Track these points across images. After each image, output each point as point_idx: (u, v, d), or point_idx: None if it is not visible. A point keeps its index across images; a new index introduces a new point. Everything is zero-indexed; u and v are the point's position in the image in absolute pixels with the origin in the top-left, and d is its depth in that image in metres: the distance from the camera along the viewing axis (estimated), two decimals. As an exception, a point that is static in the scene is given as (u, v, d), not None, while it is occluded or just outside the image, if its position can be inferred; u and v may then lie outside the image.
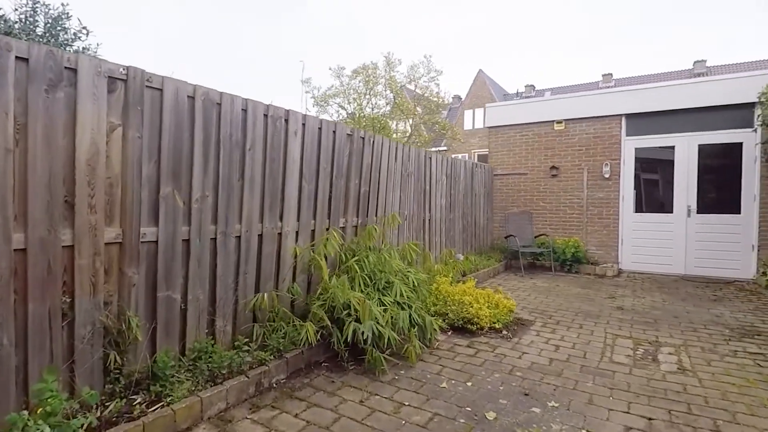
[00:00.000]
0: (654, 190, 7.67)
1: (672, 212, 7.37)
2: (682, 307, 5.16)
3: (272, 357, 2.98)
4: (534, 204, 8.58)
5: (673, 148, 7.36)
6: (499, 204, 8.95)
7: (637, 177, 7.72)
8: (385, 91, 19.54)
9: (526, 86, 38.94)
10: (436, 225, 6.50)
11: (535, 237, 8.17)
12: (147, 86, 2.54)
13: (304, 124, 3.71)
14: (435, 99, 20.40)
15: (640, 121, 7.62)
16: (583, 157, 8.11)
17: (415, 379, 3.09)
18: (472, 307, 4.16)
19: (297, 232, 3.73)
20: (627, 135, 7.75)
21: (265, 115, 3.34)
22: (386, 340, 3.19)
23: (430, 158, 6.31)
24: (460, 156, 20.14)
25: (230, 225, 3.11)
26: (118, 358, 2.39)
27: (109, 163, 2.39)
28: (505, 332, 4.15)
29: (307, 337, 3.05)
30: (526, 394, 2.87)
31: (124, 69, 2.43)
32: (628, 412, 2.62)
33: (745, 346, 3.78)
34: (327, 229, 4.05)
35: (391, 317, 3.32)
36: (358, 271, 3.60)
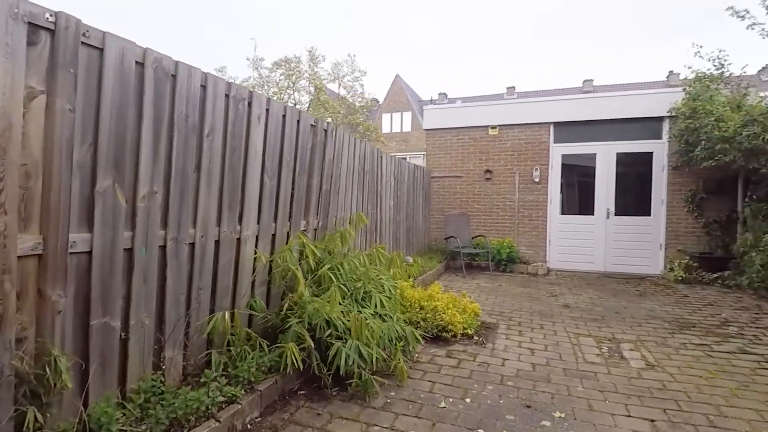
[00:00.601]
0: (578, 194, 8.28)
1: (593, 214, 8.02)
2: (618, 303, 5.55)
3: (243, 391, 2.43)
4: (469, 206, 8.77)
5: (595, 155, 8.02)
6: (436, 206, 8.99)
7: (563, 181, 8.28)
8: (309, 86, 18.80)
9: (439, 94, 40.69)
10: (385, 227, 6.22)
11: (473, 238, 8.33)
12: (83, 43, 1.87)
13: (267, 110, 3.17)
14: (360, 100, 20.18)
15: (567, 129, 8.18)
16: (515, 161, 8.48)
17: (409, 400, 2.76)
18: (445, 313, 3.95)
19: (257, 237, 3.17)
20: (555, 142, 8.27)
21: (227, 95, 2.75)
22: (373, 359, 2.82)
23: (382, 157, 6.02)
24: (383, 158, 20.13)
25: (183, 229, 2.49)
26: (38, 415, 1.69)
27: (27, 143, 1.69)
28: (476, 338, 4.01)
29: (287, 363, 2.55)
30: (528, 407, 2.71)
31: (51, 15, 1.74)
32: (629, 416, 2.59)
33: (689, 338, 4.10)
34: (288, 233, 3.54)
35: (381, 332, 2.94)
36: (334, 280, 3.16)
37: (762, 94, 6.15)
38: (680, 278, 6.86)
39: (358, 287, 3.31)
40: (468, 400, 2.78)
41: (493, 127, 8.60)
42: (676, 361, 3.48)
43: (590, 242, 8.02)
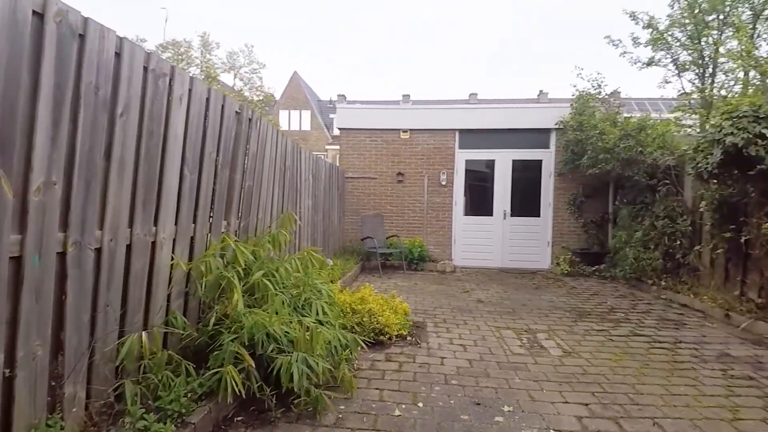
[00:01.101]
0: (479, 197, 8.90)
1: (492, 215, 8.70)
2: (522, 296, 6.06)
3: (174, 426, 2.00)
4: (383, 207, 8.83)
5: (494, 161, 8.70)
6: (350, 206, 8.87)
7: (467, 185, 8.82)
8: (201, 75, 17.16)
9: (338, 95, 40.65)
10: (304, 228, 5.90)
11: (387, 238, 8.40)
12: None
13: (191, 90, 2.71)
14: (258, 93, 19.07)
15: (470, 137, 8.74)
16: (425, 165, 8.79)
17: (362, 412, 2.59)
18: (381, 316, 3.84)
19: (174, 240, 2.69)
20: (460, 148, 8.77)
21: (146, 68, 2.27)
22: (320, 371, 2.57)
23: (301, 153, 5.69)
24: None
25: (88, 231, 1.98)
26: None
27: None
28: (410, 338, 3.98)
29: (227, 388, 2.17)
30: (478, 404, 2.74)
31: None
32: (567, 402, 2.78)
33: (590, 325, 4.62)
34: (208, 236, 3.09)
35: (327, 342, 2.71)
36: (271, 288, 2.83)
37: (636, 114, 7.30)
38: (566, 272, 7.79)
39: (296, 294, 3.02)
40: (421, 405, 2.70)
41: (405, 131, 8.79)
42: (586, 347, 3.88)
43: (490, 241, 8.69)
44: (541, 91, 37.31)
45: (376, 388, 2.93)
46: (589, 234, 8.31)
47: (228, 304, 2.61)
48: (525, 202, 8.67)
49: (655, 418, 2.56)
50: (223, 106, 3.15)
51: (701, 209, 5.34)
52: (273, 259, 3.41)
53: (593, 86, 7.93)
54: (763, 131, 3.91)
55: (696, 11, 6.94)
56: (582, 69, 7.99)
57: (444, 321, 4.68)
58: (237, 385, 2.17)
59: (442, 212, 8.78)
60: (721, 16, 6.74)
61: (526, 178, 8.67)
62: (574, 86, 8.05)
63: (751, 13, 6.48)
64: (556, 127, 8.31)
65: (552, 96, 35.31)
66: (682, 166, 6.19)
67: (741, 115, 4.06)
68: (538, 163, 8.62)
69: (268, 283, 2.83)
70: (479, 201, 8.89)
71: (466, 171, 8.81)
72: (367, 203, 8.86)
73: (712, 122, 4.47)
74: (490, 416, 2.57)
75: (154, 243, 2.48)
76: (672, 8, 7.40)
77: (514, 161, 8.64)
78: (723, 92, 7.03)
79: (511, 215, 8.63)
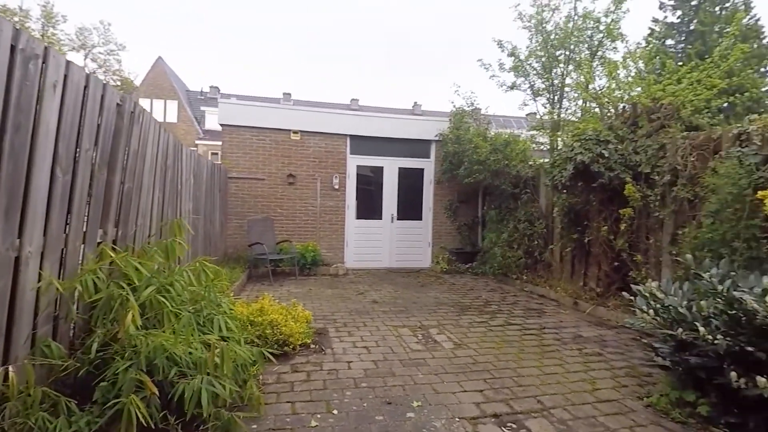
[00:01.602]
0: (369, 201, 9.19)
1: (381, 219, 9.08)
2: (412, 294, 6.46)
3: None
4: (272, 210, 8.51)
5: (382, 168, 9.09)
6: (234, 209, 8.33)
7: (358, 189, 9.03)
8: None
9: (211, 87, 37.72)
10: (185, 234, 5.35)
11: (277, 243, 8.12)
12: None
13: (66, 76, 2.29)
14: (116, 78, 16.57)
15: (361, 143, 8.97)
16: (317, 168, 8.74)
17: (277, 428, 2.49)
18: (285, 326, 3.72)
19: (43, 254, 2.24)
20: (351, 153, 8.94)
21: (14, 47, 1.85)
22: (228, 393, 2.41)
23: (182, 149, 5.16)
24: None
25: (-73, 248, 1.54)
26: None
27: None
28: (314, 346, 3.95)
29: (132, 422, 1.89)
30: (389, 403, 2.87)
31: None
32: (465, 391, 3.08)
33: (471, 317, 5.16)
34: (83, 246, 2.64)
35: (234, 360, 2.53)
36: (168, 305, 2.53)
37: (503, 130, 8.35)
38: (444, 270, 8.54)
39: (196, 311, 2.76)
40: (335, 412, 2.72)
41: (296, 132, 8.62)
42: (472, 338, 4.34)
43: (379, 243, 9.05)
44: (415, 102, 40.00)
45: (288, 402, 2.85)
46: (462, 235, 9.24)
47: (117, 326, 2.27)
48: (409, 207, 9.24)
49: (537, 396, 3.01)
50: (102, 97, 2.72)
51: (554, 214, 6.41)
52: (162, 271, 3.06)
53: (467, 103, 8.86)
54: (603, 152, 4.90)
55: (548, 46, 8.28)
56: (459, 86, 8.92)
57: (345, 325, 4.74)
58: (144, 417, 1.91)
59: (335, 216, 8.83)
60: (567, 52, 8.17)
61: (410, 184, 9.26)
62: (452, 102, 8.92)
63: (588, 52, 8.01)
64: (436, 139, 9.06)
65: (425, 108, 38.25)
66: (538, 178, 7.33)
67: (587, 138, 5.01)
68: (420, 171, 9.28)
69: (162, 300, 2.54)
70: (370, 205, 9.18)
71: (358, 176, 9.02)
72: (254, 206, 8.43)
73: (565, 142, 5.39)
74: (402, 413, 2.72)
75: (18, 258, 2.03)
76: (531, 41, 8.71)
77: (400, 169, 9.15)
78: (570, 116, 8.50)
79: (398, 219, 9.12)
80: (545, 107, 8.83)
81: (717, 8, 19.81)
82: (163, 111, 30.52)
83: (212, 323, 2.81)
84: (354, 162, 8.95)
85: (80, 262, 2.61)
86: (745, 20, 20.57)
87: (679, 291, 3.02)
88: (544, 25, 8.50)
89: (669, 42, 21.06)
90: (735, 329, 2.43)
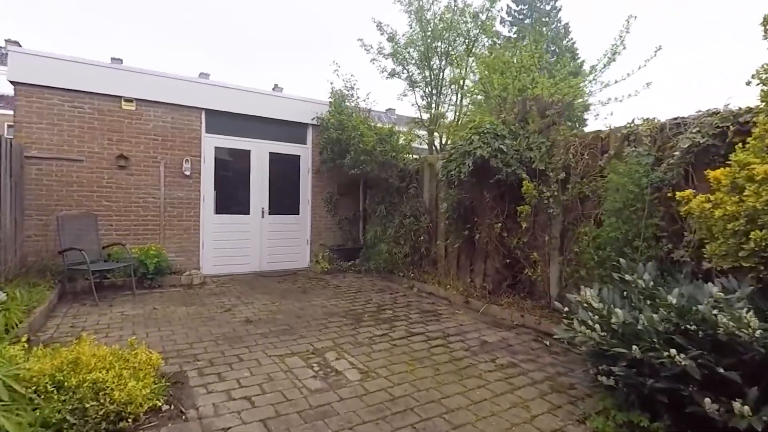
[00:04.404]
0: (233, 191, 7.71)
1: (249, 213, 7.71)
2: (293, 305, 5.45)
3: None
4: (96, 203, 6.40)
5: (249, 152, 7.70)
6: (36, 202, 5.99)
7: (217, 177, 7.47)
8: None
9: (6, 40, 28.94)
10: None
11: (104, 247, 6.12)
12: None
13: None
14: None
15: (221, 120, 7.41)
16: (160, 148, 6.90)
17: None
18: (119, 389, 2.41)
19: None
20: (207, 132, 7.32)
21: None
22: None
23: None
24: None
25: None
26: None
27: None
28: (168, 408, 2.70)
29: None
30: (300, 500, 1.94)
31: None
32: (395, 451, 2.34)
33: (370, 330, 4.45)
34: None
35: None
36: None
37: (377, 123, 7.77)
38: (326, 270, 7.70)
39: None
40: None
41: (129, 101, 6.62)
42: (379, 361, 3.62)
43: (246, 243, 7.69)
44: (276, 84, 37.47)
45: None
46: (343, 230, 8.52)
47: None
48: (284, 199, 8.08)
49: (483, 443, 2.44)
50: None
51: (443, 210, 6.12)
52: None
53: (347, 87, 8.07)
54: (501, 147, 4.67)
55: (427, 35, 8.01)
56: (339, 66, 8.01)
57: (211, 363, 3.53)
58: None
59: (186, 210, 7.13)
60: (445, 45, 8.01)
61: (284, 173, 8.09)
62: (331, 83, 8.04)
63: (465, 46, 7.97)
64: (314, 123, 8.08)
65: (286, 92, 36.19)
66: (422, 172, 7.02)
67: (485, 131, 4.73)
68: (296, 159, 8.19)
69: None
70: (233, 196, 7.70)
71: (217, 160, 7.45)
72: (67, 197, 6.21)
73: (462, 135, 5.05)
74: None
75: None
76: (410, 27, 8.33)
77: (271, 154, 7.89)
78: (449, 111, 8.42)
79: (270, 213, 7.88)
80: (423, 99, 8.61)
81: (545, 28, 23.02)
82: None
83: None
84: (212, 143, 7.36)
85: None
86: (565, 41, 24.49)
87: (612, 298, 2.79)
88: (423, 13, 8.20)
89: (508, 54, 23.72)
90: (693, 346, 2.21)
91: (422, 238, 6.66)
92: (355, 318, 4.92)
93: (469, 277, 5.98)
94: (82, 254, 5.31)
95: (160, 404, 2.68)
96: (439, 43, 8.10)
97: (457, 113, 8.41)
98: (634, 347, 2.33)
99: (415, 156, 7.32)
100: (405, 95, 8.83)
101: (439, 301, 5.84)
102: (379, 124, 7.86)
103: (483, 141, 4.67)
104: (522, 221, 4.71)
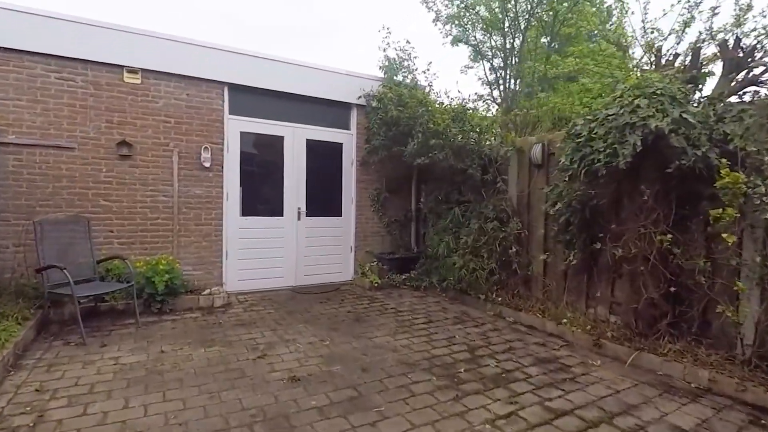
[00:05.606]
0: (263, 188, 6.23)
1: (283, 215, 6.22)
2: (350, 347, 3.91)
3: None
4: (91, 203, 4.99)
5: (282, 138, 6.19)
6: (15, 202, 4.63)
7: (243, 170, 5.99)
8: None
9: None
10: None
11: (99, 262, 4.71)
12: None
13: None
14: None
15: (248, 98, 5.92)
16: (173, 133, 5.46)
17: None
18: None
19: None
20: (231, 113, 5.84)
21: None
22: None
23: None
24: None
25: None
26: None
27: None
28: None
29: None
30: None
31: None
32: None
33: (483, 404, 2.85)
34: None
35: None
36: None
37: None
38: (375, 284, 6.15)
39: None
40: None
41: (133, 71, 5.18)
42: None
43: (280, 251, 6.20)
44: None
45: None
46: (392, 235, 6.97)
47: None
48: (324, 198, 6.56)
49: None
50: None
51: (550, 212, 4.47)
52: None
53: (401, 57, 6.47)
54: (685, 116, 3.00)
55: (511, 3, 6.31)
56: (389, 32, 6.42)
57: (245, 488, 2.01)
58: None
59: (205, 211, 5.67)
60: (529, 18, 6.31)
61: (325, 165, 6.56)
62: (384, 51, 6.40)
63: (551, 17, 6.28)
64: (359, 102, 6.51)
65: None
66: (507, 160, 5.38)
67: (657, 91, 3.07)
68: (338, 147, 6.64)
69: None
70: (263, 194, 6.22)
71: (243, 149, 5.97)
72: (55, 196, 4.82)
73: (617, 101, 3.39)
74: None
75: None
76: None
77: (309, 141, 6.37)
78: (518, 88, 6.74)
79: (307, 215, 6.37)
80: (494, 72, 6.93)
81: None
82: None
83: None
84: (237, 126, 5.88)
85: None
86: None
87: None
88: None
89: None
90: None
91: (513, 249, 5.02)
92: (448, 375, 3.35)
93: (586, 305, 4.34)
94: (65, 273, 3.88)
95: None
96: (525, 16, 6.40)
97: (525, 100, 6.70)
98: None
99: (500, 139, 5.65)
100: (470, 67, 7.15)
101: (549, 340, 4.21)
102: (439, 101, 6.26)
103: (656, 108, 3.02)
104: (722, 233, 3.01)
